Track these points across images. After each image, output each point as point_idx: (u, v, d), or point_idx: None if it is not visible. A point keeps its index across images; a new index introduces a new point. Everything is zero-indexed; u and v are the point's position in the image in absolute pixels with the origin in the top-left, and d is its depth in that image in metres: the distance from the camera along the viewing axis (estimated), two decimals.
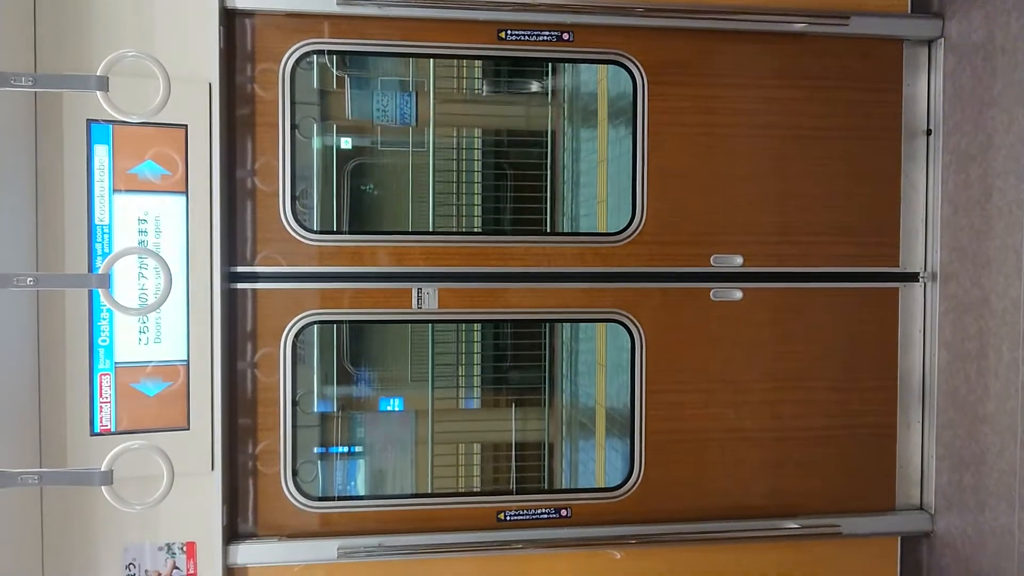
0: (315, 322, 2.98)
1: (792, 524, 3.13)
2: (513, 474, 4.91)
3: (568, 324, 4.68)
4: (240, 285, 2.96)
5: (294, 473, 3.00)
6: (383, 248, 3.02)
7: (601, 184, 4.70)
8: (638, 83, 3.09)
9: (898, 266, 3.25)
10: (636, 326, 3.12)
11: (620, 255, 3.11)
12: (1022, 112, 2.76)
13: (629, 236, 3.11)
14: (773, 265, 3.18)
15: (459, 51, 3.06)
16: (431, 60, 4.48)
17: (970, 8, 3.00)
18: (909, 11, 3.18)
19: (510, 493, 3.14)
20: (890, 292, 3.26)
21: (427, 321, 3.05)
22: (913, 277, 3.25)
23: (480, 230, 5.04)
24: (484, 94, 5.24)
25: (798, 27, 3.09)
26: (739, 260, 3.15)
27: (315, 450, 4.15)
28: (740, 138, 3.15)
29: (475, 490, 4.97)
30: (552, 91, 5.20)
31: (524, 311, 3.09)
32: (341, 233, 3.10)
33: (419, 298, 3.01)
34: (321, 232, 2.99)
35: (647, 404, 3.13)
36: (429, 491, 4.64)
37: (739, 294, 3.16)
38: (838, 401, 3.24)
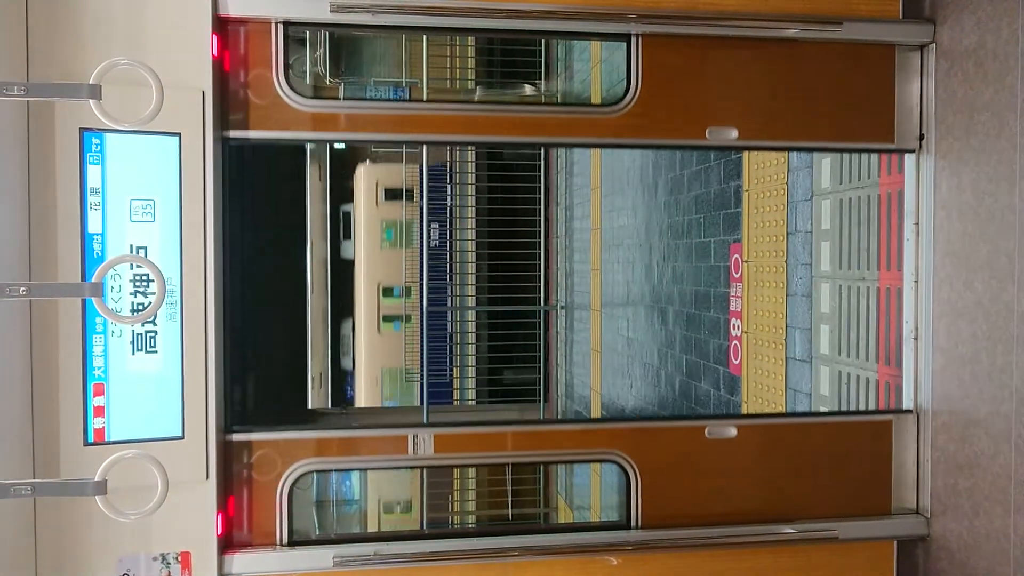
0: (310, 471, 2.98)
1: (789, 529, 3.13)
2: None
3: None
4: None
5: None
6: (383, 116, 3.01)
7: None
8: None
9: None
10: (631, 466, 3.12)
11: (615, 126, 3.07)
12: (1013, 117, 2.77)
13: (624, 107, 3.07)
14: (768, 139, 3.18)
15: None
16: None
17: (961, 14, 3.02)
18: (901, 16, 3.19)
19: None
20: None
21: (423, 467, 3.08)
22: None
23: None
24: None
25: (791, 32, 3.10)
26: (734, 133, 3.13)
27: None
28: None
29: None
30: None
31: (521, 454, 3.09)
32: (335, 99, 3.08)
33: (415, 444, 3.01)
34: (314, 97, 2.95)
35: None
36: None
37: (733, 431, 3.17)
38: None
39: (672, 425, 3.20)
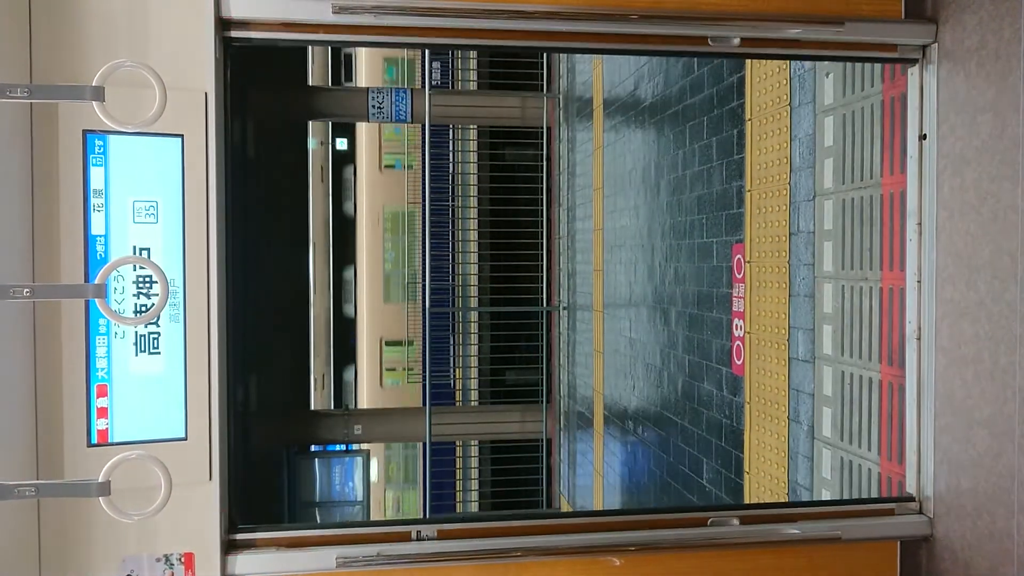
0: None
1: (792, 529, 3.13)
2: None
3: None
4: None
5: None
6: None
7: None
8: None
9: None
10: None
11: (615, 38, 3.06)
12: (1015, 117, 2.77)
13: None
14: (772, 47, 3.18)
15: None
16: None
17: (963, 14, 3.02)
18: (903, 17, 3.19)
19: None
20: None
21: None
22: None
23: None
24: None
25: (792, 33, 3.10)
26: (736, 40, 3.09)
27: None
28: None
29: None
30: None
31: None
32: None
33: (418, 539, 3.01)
34: None
35: None
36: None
37: (736, 521, 3.16)
38: None
39: (674, 517, 3.18)
